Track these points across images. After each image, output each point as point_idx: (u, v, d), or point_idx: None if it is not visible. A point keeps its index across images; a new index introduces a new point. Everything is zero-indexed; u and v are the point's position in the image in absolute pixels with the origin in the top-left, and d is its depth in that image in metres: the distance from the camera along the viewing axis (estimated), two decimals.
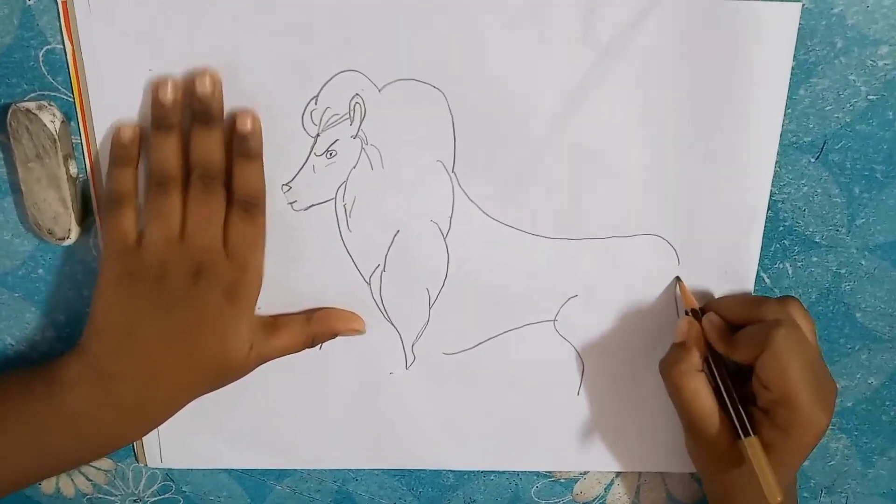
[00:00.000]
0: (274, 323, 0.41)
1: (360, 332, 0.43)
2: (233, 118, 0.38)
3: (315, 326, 0.42)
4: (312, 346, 0.42)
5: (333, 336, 0.42)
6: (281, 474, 0.48)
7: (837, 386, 0.39)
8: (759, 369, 0.37)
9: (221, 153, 0.38)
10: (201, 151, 0.37)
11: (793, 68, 0.38)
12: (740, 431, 0.38)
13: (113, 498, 0.49)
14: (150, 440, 0.46)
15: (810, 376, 0.36)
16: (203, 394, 0.40)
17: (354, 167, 0.40)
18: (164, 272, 0.37)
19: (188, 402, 0.40)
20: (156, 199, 0.37)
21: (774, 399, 0.36)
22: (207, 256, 0.37)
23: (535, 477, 0.48)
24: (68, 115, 0.39)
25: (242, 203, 0.38)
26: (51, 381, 0.38)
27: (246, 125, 0.37)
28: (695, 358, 0.40)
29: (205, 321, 0.37)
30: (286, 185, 0.40)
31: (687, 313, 0.41)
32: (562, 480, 0.48)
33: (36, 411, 0.38)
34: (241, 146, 0.38)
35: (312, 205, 0.41)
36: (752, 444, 0.37)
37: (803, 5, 0.37)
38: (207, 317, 0.37)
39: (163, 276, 0.37)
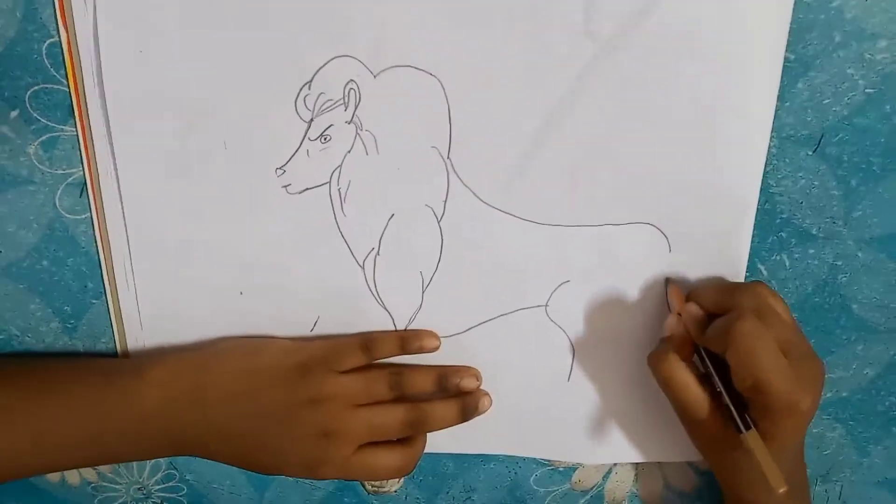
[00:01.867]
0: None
1: None
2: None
3: None
4: None
5: None
6: None
7: (827, 373, 0.39)
8: (730, 361, 0.37)
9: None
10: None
11: (791, 62, 0.39)
12: (740, 425, 0.38)
13: (118, 486, 0.49)
14: None
15: (781, 361, 0.36)
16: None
17: (349, 152, 0.40)
18: (323, 401, 0.41)
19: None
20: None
21: (749, 387, 0.37)
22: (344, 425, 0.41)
23: (534, 465, 0.49)
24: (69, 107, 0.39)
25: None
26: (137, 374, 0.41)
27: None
28: (682, 350, 0.40)
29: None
30: (280, 168, 0.40)
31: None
32: (560, 468, 0.49)
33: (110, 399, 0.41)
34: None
35: (307, 188, 0.41)
36: (751, 437, 0.37)
37: None
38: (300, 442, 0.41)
39: (321, 402, 0.41)
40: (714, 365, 0.39)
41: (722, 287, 0.41)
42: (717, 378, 0.39)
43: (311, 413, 0.40)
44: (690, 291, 0.42)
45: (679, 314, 0.41)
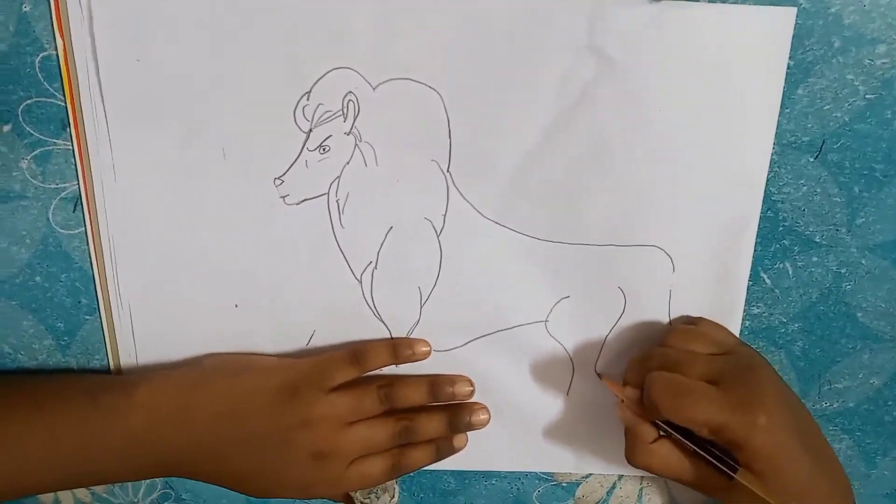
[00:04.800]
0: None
1: None
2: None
3: None
4: None
5: None
6: None
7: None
8: (674, 421, 0.38)
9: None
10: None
11: (791, 68, 0.38)
12: (727, 472, 0.37)
13: None
14: None
15: (711, 396, 0.37)
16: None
17: (348, 163, 0.40)
18: (314, 423, 0.39)
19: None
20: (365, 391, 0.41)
21: (708, 434, 0.37)
22: (340, 447, 0.40)
23: (537, 481, 0.48)
24: (63, 120, 0.39)
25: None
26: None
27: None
28: (645, 432, 0.39)
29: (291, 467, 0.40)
30: (278, 178, 0.40)
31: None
32: (563, 484, 0.48)
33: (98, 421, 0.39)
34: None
35: (305, 199, 0.40)
36: (742, 477, 0.36)
37: (800, 5, 0.37)
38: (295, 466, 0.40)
39: (312, 424, 0.39)
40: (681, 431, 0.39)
41: (632, 362, 0.41)
42: (684, 439, 0.38)
43: (302, 436, 0.39)
44: (625, 375, 0.42)
45: (622, 401, 0.40)
